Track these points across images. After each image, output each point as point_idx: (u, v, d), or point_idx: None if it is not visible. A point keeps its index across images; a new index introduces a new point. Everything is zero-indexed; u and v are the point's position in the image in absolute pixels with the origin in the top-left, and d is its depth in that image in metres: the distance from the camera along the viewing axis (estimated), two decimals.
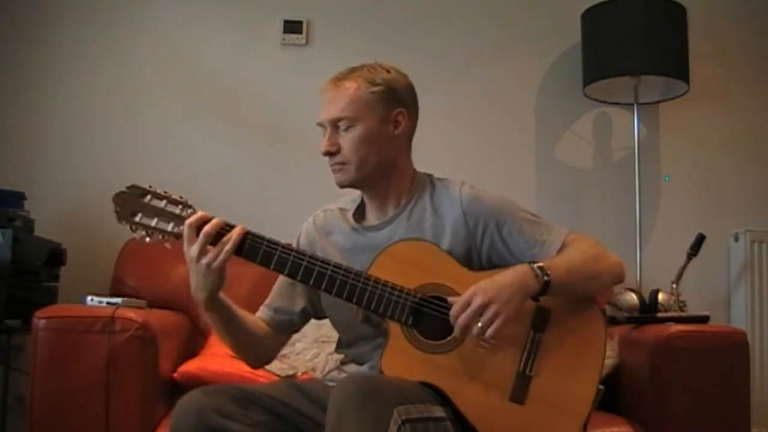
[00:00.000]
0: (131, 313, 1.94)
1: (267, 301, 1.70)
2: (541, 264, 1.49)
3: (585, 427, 1.53)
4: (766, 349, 2.81)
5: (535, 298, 1.50)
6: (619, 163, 3.03)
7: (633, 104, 2.88)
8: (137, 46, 2.97)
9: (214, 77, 2.97)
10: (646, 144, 2.99)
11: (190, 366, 2.16)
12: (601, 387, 1.55)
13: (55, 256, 2.51)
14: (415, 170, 1.68)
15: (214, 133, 2.95)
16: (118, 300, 2.05)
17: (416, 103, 1.65)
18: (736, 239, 2.93)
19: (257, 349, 1.66)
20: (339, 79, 1.59)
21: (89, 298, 2.09)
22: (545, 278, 1.47)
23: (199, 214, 1.46)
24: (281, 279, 1.69)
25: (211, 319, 1.57)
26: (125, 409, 1.88)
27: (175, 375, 2.13)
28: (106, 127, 2.91)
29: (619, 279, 1.62)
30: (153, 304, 2.27)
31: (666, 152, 3.04)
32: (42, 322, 1.89)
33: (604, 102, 2.98)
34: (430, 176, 1.68)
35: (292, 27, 2.98)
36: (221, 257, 1.44)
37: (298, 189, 2.90)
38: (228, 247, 1.44)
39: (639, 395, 2.02)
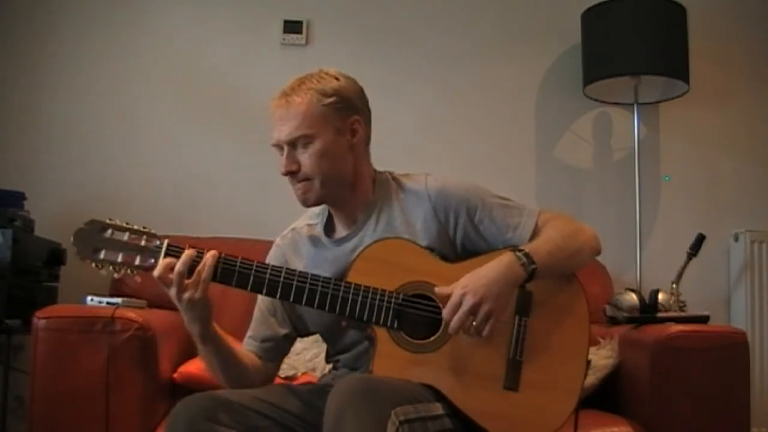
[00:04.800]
0: (131, 313, 1.93)
1: (250, 333, 1.69)
2: (526, 251, 1.49)
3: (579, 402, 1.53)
4: (766, 349, 2.81)
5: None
6: (619, 163, 3.03)
7: (633, 104, 2.88)
8: (137, 46, 2.97)
9: (214, 77, 2.97)
10: (646, 144, 2.99)
11: (190, 366, 2.16)
12: (589, 359, 1.56)
13: (55, 256, 2.51)
14: (375, 171, 1.66)
15: (214, 133, 2.95)
16: (118, 300, 2.05)
17: (368, 107, 1.63)
18: (736, 239, 2.93)
19: (247, 381, 1.61)
20: (288, 95, 1.54)
21: (89, 298, 2.08)
22: (532, 266, 1.47)
23: (164, 262, 1.42)
24: (259, 308, 1.68)
25: (205, 352, 1.55)
26: (125, 409, 1.88)
27: (175, 375, 2.12)
28: (106, 127, 2.91)
29: (598, 251, 1.63)
30: (153, 304, 2.26)
31: (666, 152, 3.04)
32: (42, 322, 1.89)
33: (604, 102, 2.98)
34: (391, 174, 1.67)
35: (292, 27, 2.98)
36: (199, 288, 1.43)
37: None
38: (204, 276, 1.43)
39: (639, 395, 2.02)
